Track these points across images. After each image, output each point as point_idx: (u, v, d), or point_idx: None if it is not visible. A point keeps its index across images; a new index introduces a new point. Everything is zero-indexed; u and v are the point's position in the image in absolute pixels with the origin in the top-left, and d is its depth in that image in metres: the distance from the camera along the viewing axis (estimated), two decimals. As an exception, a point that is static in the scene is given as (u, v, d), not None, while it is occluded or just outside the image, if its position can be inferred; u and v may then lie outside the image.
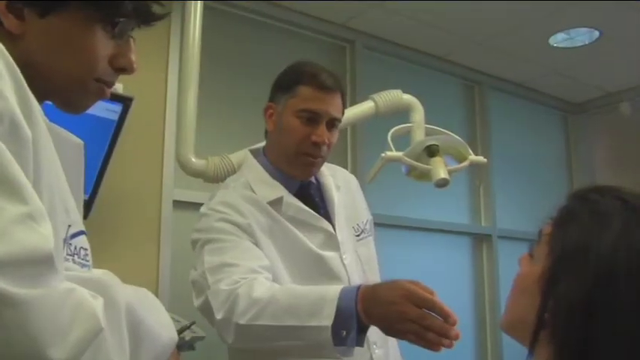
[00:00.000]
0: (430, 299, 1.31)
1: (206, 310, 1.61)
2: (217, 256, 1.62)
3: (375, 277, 1.91)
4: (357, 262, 1.85)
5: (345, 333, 1.38)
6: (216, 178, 2.26)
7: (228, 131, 3.08)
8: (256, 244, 1.68)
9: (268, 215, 1.75)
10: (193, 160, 2.30)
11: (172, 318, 1.86)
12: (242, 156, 2.12)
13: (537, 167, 4.61)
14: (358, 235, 1.92)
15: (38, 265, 0.68)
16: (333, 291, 1.43)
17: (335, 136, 1.81)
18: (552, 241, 0.94)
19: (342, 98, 1.81)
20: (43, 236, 0.70)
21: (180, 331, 1.85)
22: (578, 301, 0.87)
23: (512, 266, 1.03)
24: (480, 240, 4.18)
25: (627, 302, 0.86)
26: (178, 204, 2.78)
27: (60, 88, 0.93)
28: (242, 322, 1.47)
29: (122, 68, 0.97)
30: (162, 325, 0.94)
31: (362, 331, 1.41)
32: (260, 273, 1.58)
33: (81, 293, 0.74)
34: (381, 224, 3.16)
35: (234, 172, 2.23)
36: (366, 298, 1.38)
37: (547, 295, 0.91)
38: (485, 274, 4.14)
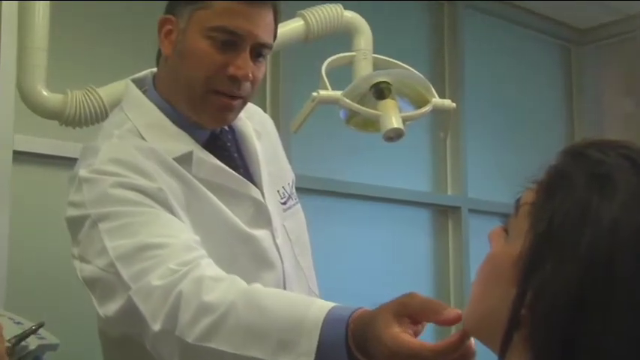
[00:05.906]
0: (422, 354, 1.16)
1: (128, 319, 1.52)
2: (127, 237, 1.54)
3: (307, 263, 1.93)
4: (287, 241, 1.87)
5: None
6: (77, 121, 2.23)
7: (97, 57, 3.02)
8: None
9: (178, 177, 1.70)
10: (45, 93, 2.25)
11: (11, 320, 1.85)
12: (119, 90, 2.08)
13: (526, 116, 4.69)
14: (284, 203, 1.92)
15: None
16: (314, 313, 1.31)
17: (262, 70, 1.77)
18: (535, 213, 0.96)
19: (275, 17, 1.78)
20: None
21: (22, 338, 1.83)
22: (566, 292, 0.89)
23: (486, 248, 1.06)
24: (445, 213, 4.27)
25: (628, 297, 0.88)
26: (21, 156, 2.73)
27: None
28: (190, 339, 1.39)
29: None
30: None
31: None
32: (198, 251, 1.53)
33: None
34: (308, 189, 3.19)
35: (104, 114, 2.20)
36: (358, 336, 1.26)
37: (525, 285, 0.93)
38: (450, 258, 4.24)
